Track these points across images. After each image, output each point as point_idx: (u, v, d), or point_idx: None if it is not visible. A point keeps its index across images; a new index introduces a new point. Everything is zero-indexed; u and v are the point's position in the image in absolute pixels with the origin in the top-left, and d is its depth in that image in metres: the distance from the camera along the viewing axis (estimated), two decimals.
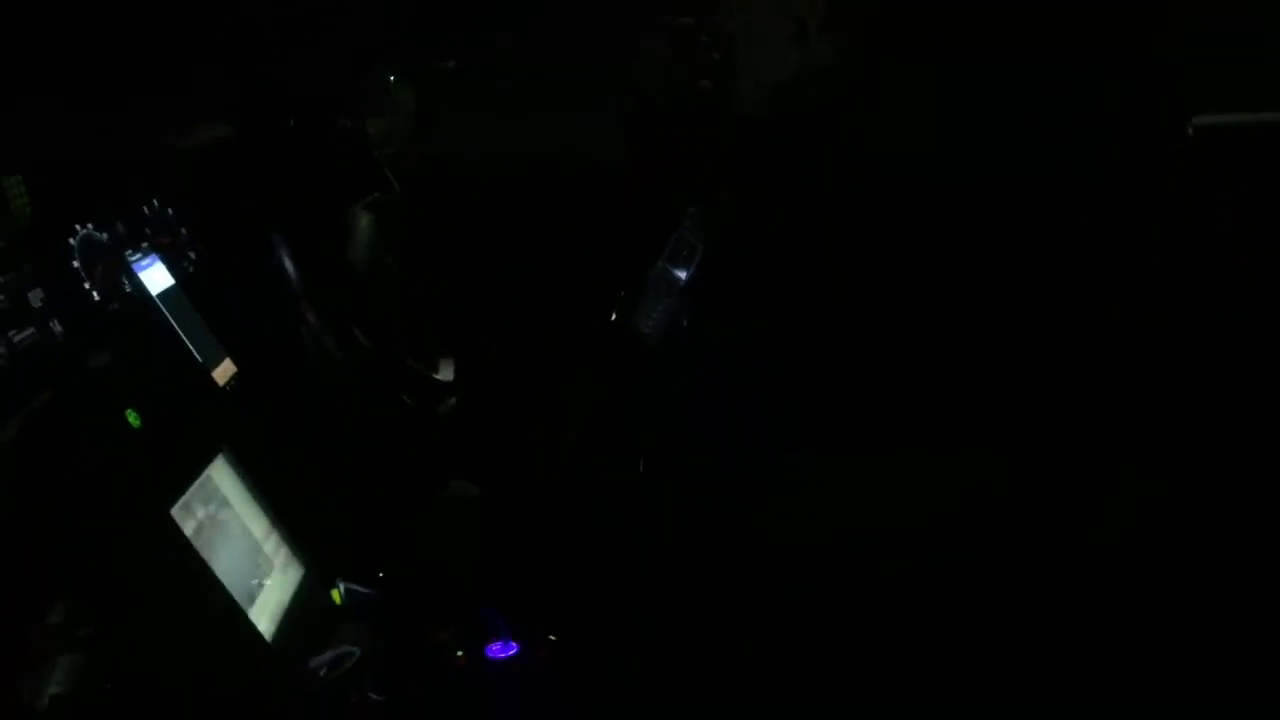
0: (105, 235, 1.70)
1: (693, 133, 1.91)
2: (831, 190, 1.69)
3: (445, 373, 2.24)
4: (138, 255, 1.74)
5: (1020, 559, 1.73)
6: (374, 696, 1.50)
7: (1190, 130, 1.78)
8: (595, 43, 2.48)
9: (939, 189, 1.68)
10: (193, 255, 1.99)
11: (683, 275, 1.76)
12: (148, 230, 1.85)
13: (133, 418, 1.45)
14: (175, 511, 1.47)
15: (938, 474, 1.77)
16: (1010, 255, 1.70)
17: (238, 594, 1.51)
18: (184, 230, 2.00)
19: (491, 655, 1.59)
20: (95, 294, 1.62)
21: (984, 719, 1.65)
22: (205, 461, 1.61)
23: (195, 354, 1.72)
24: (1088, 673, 1.63)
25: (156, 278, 1.74)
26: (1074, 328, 1.74)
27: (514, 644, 1.60)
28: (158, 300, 1.71)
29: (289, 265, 1.92)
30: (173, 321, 1.70)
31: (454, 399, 2.20)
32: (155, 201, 1.93)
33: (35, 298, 1.48)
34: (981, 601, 1.72)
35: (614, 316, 1.98)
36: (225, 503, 1.63)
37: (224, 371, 1.79)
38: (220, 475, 1.64)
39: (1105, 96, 1.67)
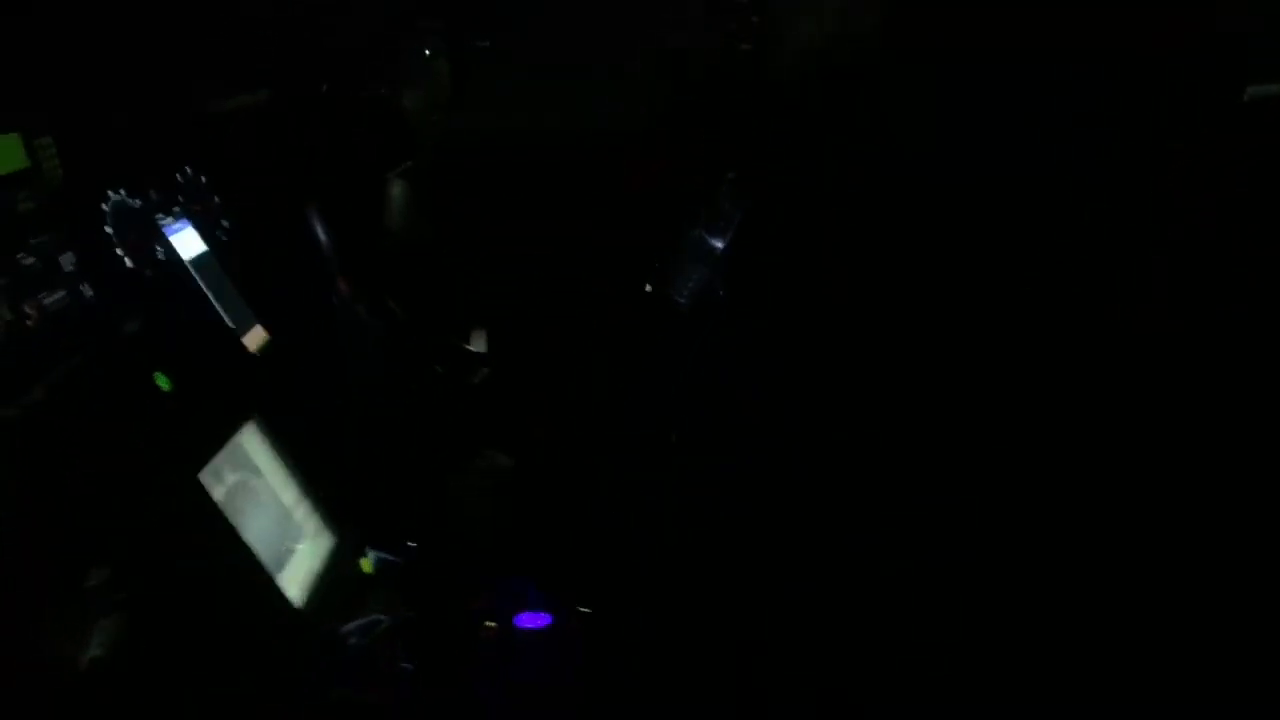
0: (138, 201, 1.69)
1: (730, 98, 1.87)
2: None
3: (478, 343, 2.22)
4: (169, 220, 1.72)
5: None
6: (404, 665, 1.48)
7: (1245, 98, 1.71)
8: (631, 13, 2.45)
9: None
10: (225, 224, 1.98)
11: (719, 243, 1.72)
12: (181, 197, 1.84)
13: (162, 381, 1.43)
14: (204, 476, 1.46)
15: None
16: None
17: (267, 560, 1.49)
18: (217, 198, 1.98)
19: (522, 626, 1.57)
20: (128, 260, 1.62)
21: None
22: (235, 428, 1.59)
23: (227, 319, 1.70)
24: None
25: (188, 243, 1.73)
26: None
27: (545, 615, 1.58)
28: (190, 265, 1.70)
29: (322, 233, 1.91)
30: (204, 287, 1.69)
31: (486, 369, 2.18)
32: (188, 169, 1.92)
33: (67, 261, 1.47)
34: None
35: (649, 287, 1.95)
36: (255, 470, 1.62)
37: (256, 338, 1.77)
38: (250, 442, 1.63)
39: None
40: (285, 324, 1.85)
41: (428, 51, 2.53)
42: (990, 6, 1.62)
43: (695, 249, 1.78)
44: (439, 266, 2.15)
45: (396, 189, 2.09)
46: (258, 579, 1.46)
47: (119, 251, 1.61)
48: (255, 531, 1.51)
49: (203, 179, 1.94)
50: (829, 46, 1.64)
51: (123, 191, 1.67)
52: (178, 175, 1.88)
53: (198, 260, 1.73)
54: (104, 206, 1.63)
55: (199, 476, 1.44)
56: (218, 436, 1.55)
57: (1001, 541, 1.72)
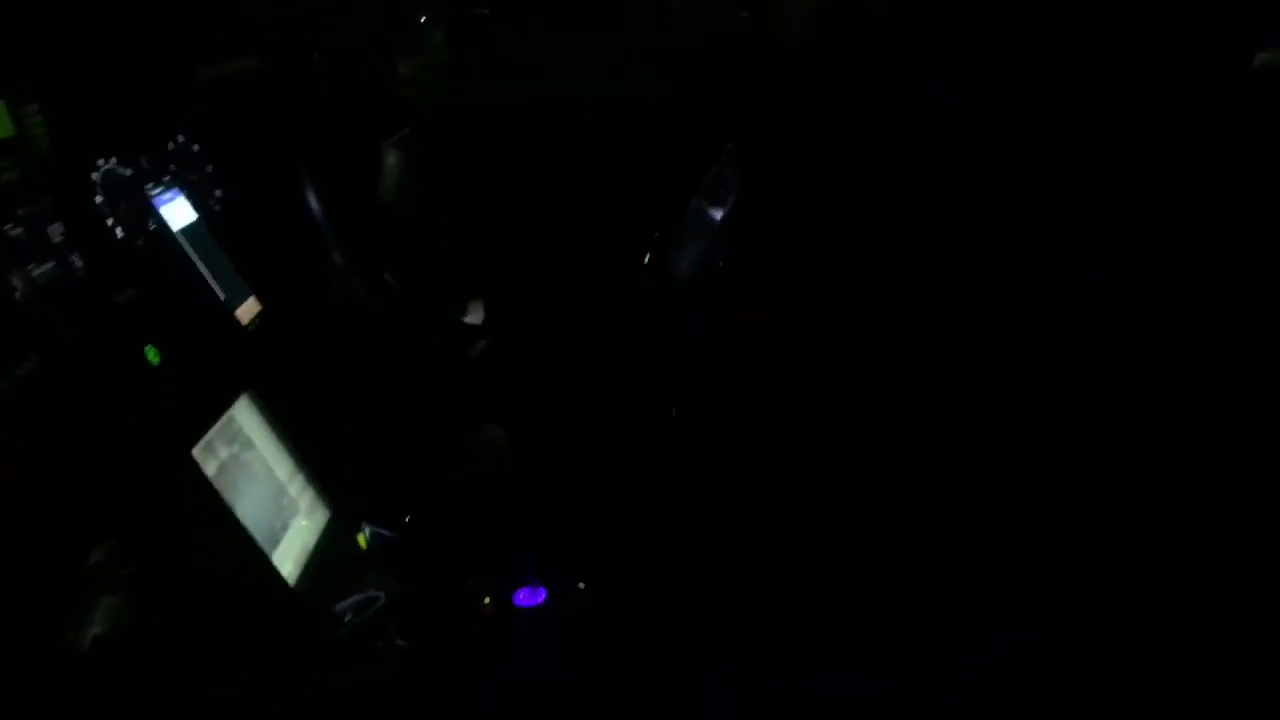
0: (129, 170, 1.66)
1: (731, 66, 1.84)
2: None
3: (474, 315, 2.20)
4: (159, 189, 1.69)
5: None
6: (399, 643, 1.47)
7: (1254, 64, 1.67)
8: None
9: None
10: (219, 193, 1.94)
11: (719, 214, 1.69)
12: (172, 166, 1.81)
13: (152, 354, 1.41)
14: (197, 452, 1.43)
15: None
16: None
17: (261, 536, 1.47)
18: (210, 167, 1.95)
19: (519, 603, 1.55)
20: (119, 230, 1.59)
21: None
22: (228, 402, 1.57)
23: (218, 291, 1.68)
24: None
25: (179, 213, 1.70)
26: None
27: (542, 590, 1.56)
28: (180, 236, 1.67)
29: (315, 202, 1.88)
30: (195, 258, 1.66)
31: (483, 341, 2.16)
32: (181, 136, 1.88)
33: (55, 232, 1.44)
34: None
35: (648, 258, 1.92)
36: (249, 444, 1.59)
37: (248, 310, 1.75)
38: (244, 416, 1.61)
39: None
40: (279, 295, 1.82)
41: (424, 19, 2.49)
42: None
43: (695, 219, 1.75)
44: (436, 237, 2.11)
45: (392, 158, 2.05)
46: (252, 557, 1.44)
47: (109, 222, 1.58)
48: (249, 508, 1.49)
49: (195, 147, 1.91)
50: (830, 9, 1.60)
51: (113, 160, 1.64)
52: (170, 143, 1.85)
53: (189, 230, 1.70)
54: (93, 176, 1.60)
55: (192, 453, 1.42)
56: (211, 411, 1.52)
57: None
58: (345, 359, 1.87)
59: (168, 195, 1.70)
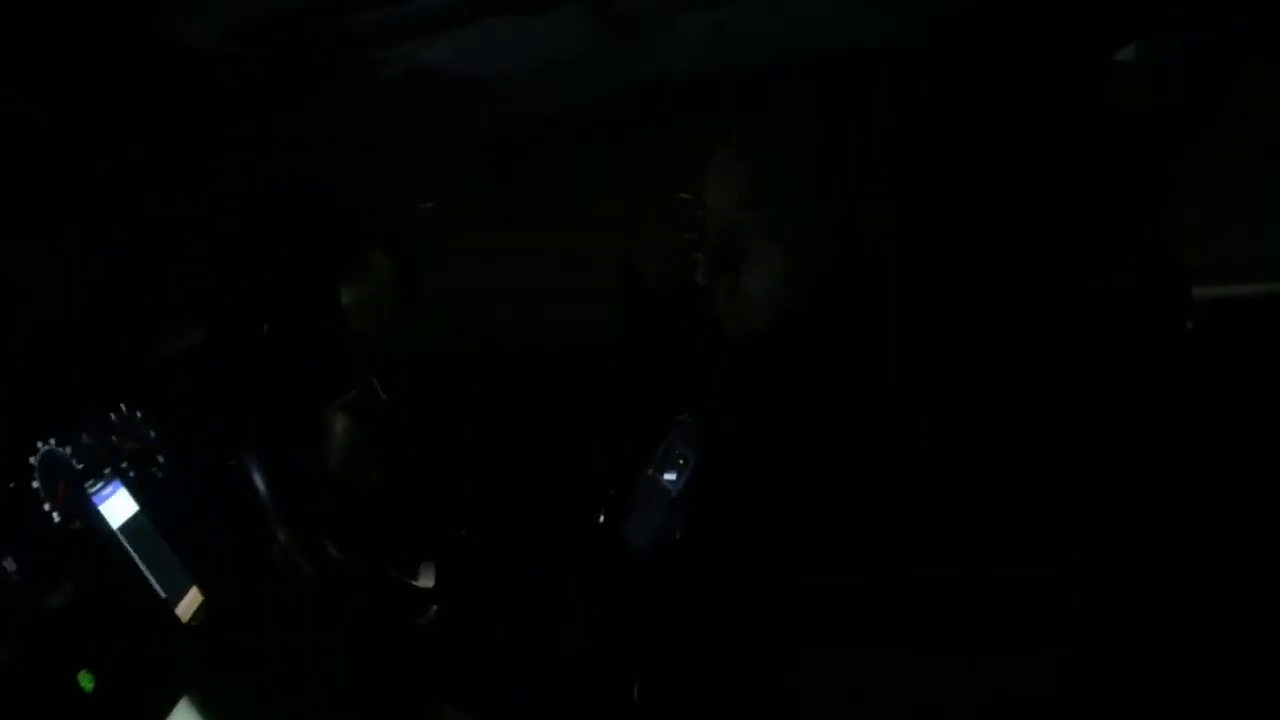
0: (68, 449, 1.63)
1: (684, 332, 1.85)
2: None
3: (425, 579, 2.13)
4: (99, 484, 1.65)
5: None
6: None
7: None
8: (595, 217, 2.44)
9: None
10: (160, 459, 1.90)
11: (674, 488, 1.67)
12: (114, 437, 1.78)
13: (86, 681, 1.33)
14: None
15: None
16: None
17: None
18: (152, 433, 1.92)
19: None
20: (55, 515, 1.54)
21: None
22: (165, 713, 1.49)
23: (159, 590, 1.61)
24: None
25: (119, 507, 1.65)
26: None
27: None
28: (119, 533, 1.61)
29: (258, 479, 1.84)
30: (136, 557, 1.60)
31: (435, 607, 2.08)
32: (123, 406, 1.86)
33: None
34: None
35: (602, 518, 1.89)
36: None
37: (190, 604, 1.68)
38: None
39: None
40: (222, 582, 1.76)
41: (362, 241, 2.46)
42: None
43: (648, 490, 1.73)
44: (388, 505, 2.07)
45: (339, 425, 2.03)
46: None
47: (47, 507, 1.54)
48: None
49: (138, 414, 1.88)
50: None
51: (52, 441, 1.61)
52: (111, 414, 1.82)
53: (129, 526, 1.65)
54: (31, 460, 1.56)
55: None
56: None
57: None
58: (291, 642, 1.79)
59: (108, 490, 1.66)
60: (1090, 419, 1.58)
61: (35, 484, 1.56)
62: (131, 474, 1.78)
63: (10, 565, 1.43)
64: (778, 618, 1.76)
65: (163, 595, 1.62)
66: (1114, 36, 1.86)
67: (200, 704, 1.56)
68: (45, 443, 1.61)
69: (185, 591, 1.69)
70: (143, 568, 1.60)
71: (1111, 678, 1.67)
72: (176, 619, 1.63)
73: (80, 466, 1.63)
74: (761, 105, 1.59)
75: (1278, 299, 2.03)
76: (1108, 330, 1.56)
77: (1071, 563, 1.65)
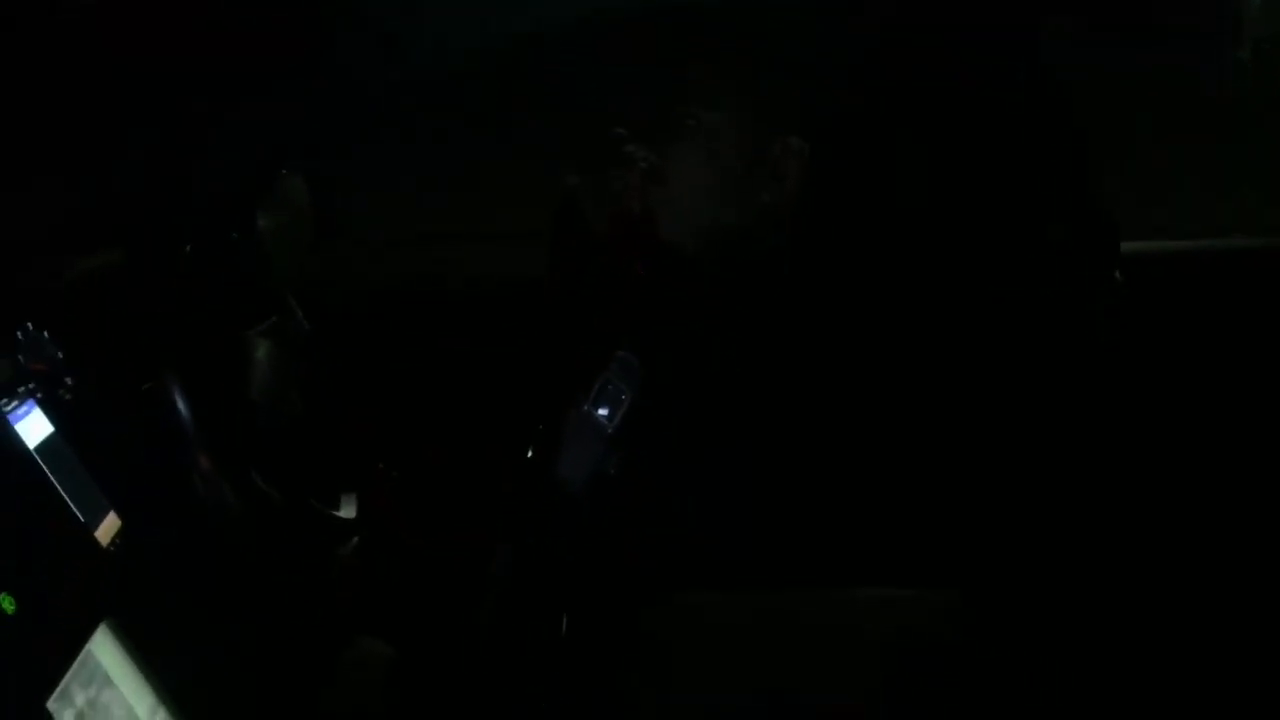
0: None
1: (623, 265, 1.86)
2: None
3: (347, 509, 2.11)
4: (13, 404, 1.58)
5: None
6: None
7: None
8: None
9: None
10: (69, 381, 1.83)
11: (609, 424, 1.69)
12: (21, 358, 1.71)
13: (6, 604, 1.29)
14: (52, 703, 1.31)
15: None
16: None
17: None
18: (60, 354, 1.84)
19: None
20: None
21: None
22: (85, 637, 1.45)
23: (77, 513, 1.56)
24: None
25: (34, 428, 1.59)
26: None
27: None
28: (35, 454, 1.56)
29: (181, 405, 1.79)
30: (52, 478, 1.55)
31: (357, 538, 2.06)
32: (29, 325, 1.78)
33: None
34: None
35: (530, 454, 1.90)
36: (107, 680, 1.47)
37: (108, 528, 1.63)
38: (102, 650, 1.48)
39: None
40: (141, 508, 1.71)
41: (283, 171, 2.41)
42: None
43: (583, 427, 1.74)
44: (310, 433, 2.03)
45: (260, 351, 1.98)
46: None
47: None
48: None
49: (45, 333, 1.81)
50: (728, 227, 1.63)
51: None
52: (18, 333, 1.75)
53: (45, 447, 1.59)
54: None
55: (47, 705, 1.30)
56: (67, 652, 1.40)
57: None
58: (211, 573, 1.76)
59: (23, 409, 1.59)
60: (1015, 364, 1.66)
61: None
62: (39, 395, 1.71)
63: None
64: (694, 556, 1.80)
65: (81, 519, 1.57)
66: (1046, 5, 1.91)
67: (121, 630, 1.53)
68: None
69: (103, 516, 1.64)
70: (61, 490, 1.55)
71: (1000, 621, 1.76)
72: (96, 543, 1.58)
73: None
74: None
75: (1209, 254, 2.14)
76: (1039, 278, 1.62)
77: (971, 505, 1.73)
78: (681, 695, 1.64)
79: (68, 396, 1.79)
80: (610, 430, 1.69)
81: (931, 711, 1.63)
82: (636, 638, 1.74)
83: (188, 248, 1.93)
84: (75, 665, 1.40)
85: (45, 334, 1.81)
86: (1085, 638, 1.74)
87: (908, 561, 1.83)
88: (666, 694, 1.66)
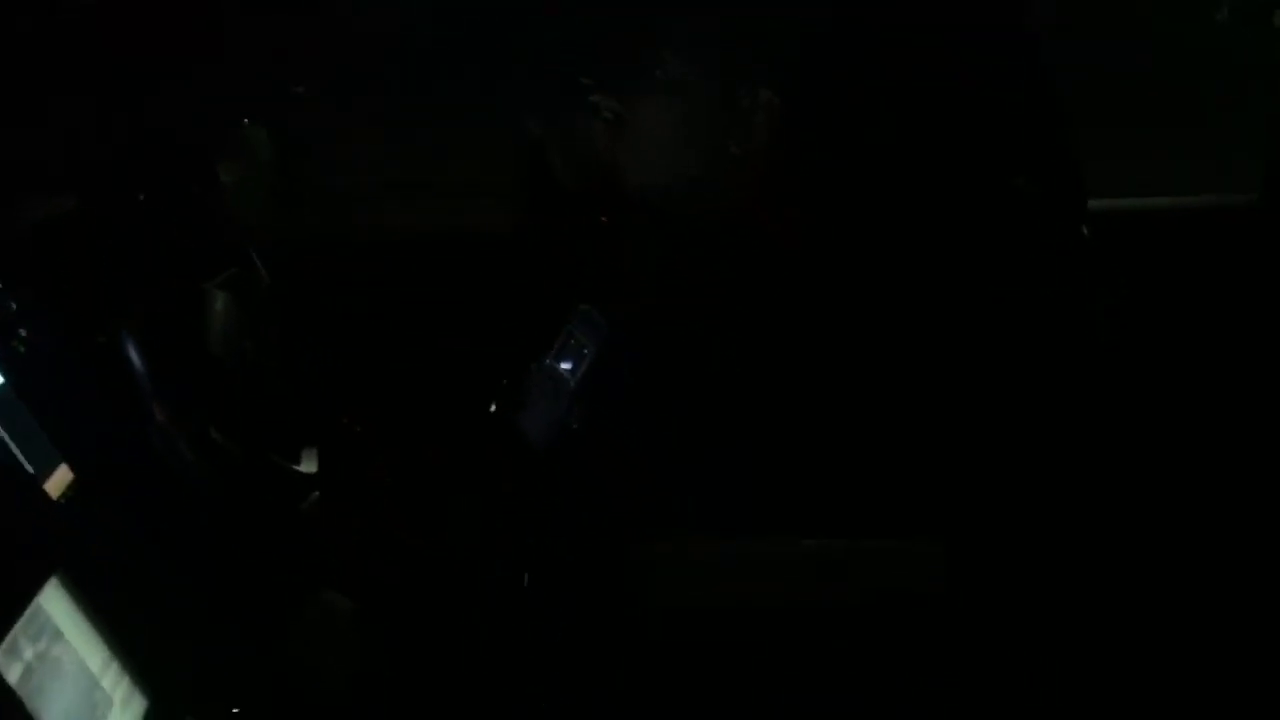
0: None
1: (587, 215, 1.84)
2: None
3: (307, 464, 2.09)
4: None
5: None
6: None
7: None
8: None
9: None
10: (22, 333, 1.79)
11: (571, 377, 1.67)
12: None
13: None
14: None
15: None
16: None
17: None
18: (13, 304, 1.80)
19: None
20: None
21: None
22: (34, 590, 1.42)
23: (25, 463, 1.53)
24: None
25: None
26: None
27: None
28: None
29: (135, 356, 1.75)
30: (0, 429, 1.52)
31: (317, 492, 2.04)
32: None
33: None
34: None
35: (494, 407, 1.88)
36: (58, 634, 1.44)
37: (59, 481, 1.60)
38: (52, 603, 1.46)
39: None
40: (93, 460, 1.68)
41: (245, 121, 2.38)
42: None
43: (544, 380, 1.73)
44: (267, 386, 2.00)
45: (218, 303, 1.94)
46: None
47: None
48: (57, 711, 1.35)
49: None
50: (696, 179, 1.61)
51: None
52: None
53: None
54: None
55: None
56: (15, 603, 1.38)
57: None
58: (167, 526, 1.73)
59: None
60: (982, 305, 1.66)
61: None
62: None
63: None
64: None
65: (30, 470, 1.54)
66: None
67: (71, 583, 1.50)
68: None
69: (54, 468, 1.61)
70: (8, 440, 1.52)
71: (981, 575, 1.77)
72: (45, 495, 1.56)
73: None
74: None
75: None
76: (1009, 229, 1.61)
77: (953, 458, 1.73)
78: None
79: (21, 349, 1.76)
80: (573, 385, 1.67)
81: (910, 661, 1.64)
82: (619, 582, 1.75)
83: (141, 196, 1.89)
84: (24, 618, 1.37)
85: None
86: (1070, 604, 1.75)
87: (888, 515, 1.83)
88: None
